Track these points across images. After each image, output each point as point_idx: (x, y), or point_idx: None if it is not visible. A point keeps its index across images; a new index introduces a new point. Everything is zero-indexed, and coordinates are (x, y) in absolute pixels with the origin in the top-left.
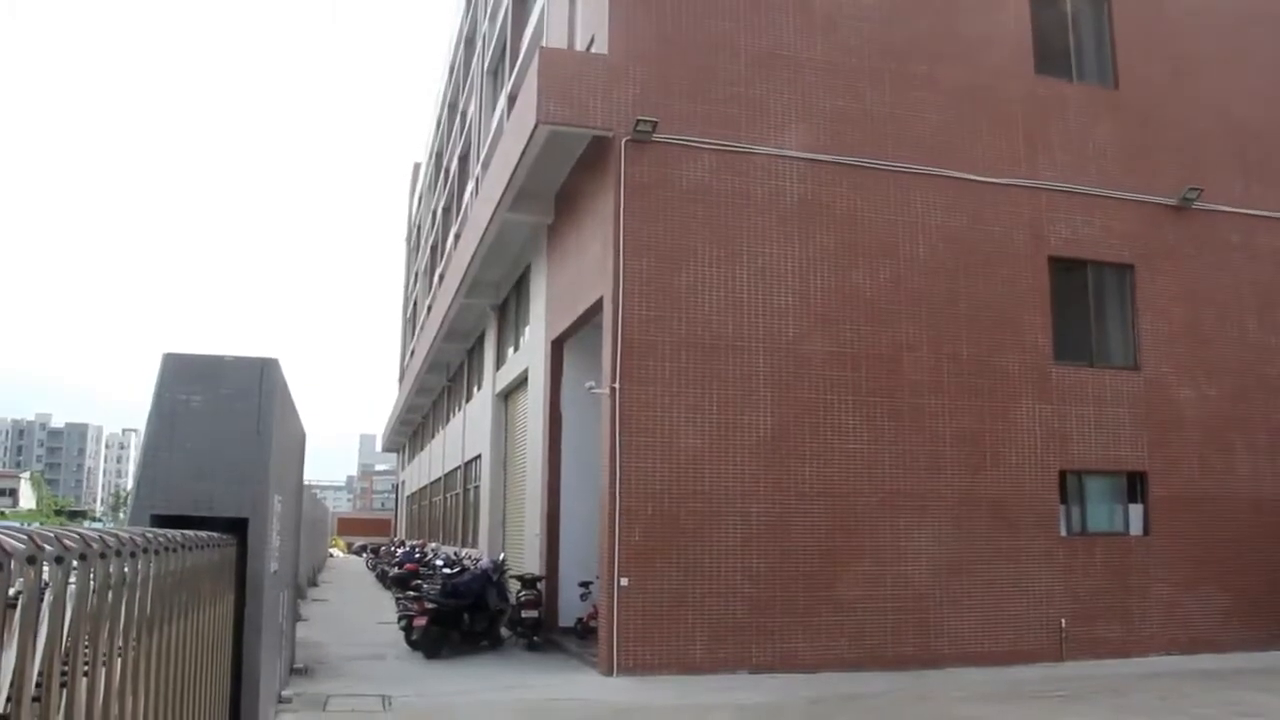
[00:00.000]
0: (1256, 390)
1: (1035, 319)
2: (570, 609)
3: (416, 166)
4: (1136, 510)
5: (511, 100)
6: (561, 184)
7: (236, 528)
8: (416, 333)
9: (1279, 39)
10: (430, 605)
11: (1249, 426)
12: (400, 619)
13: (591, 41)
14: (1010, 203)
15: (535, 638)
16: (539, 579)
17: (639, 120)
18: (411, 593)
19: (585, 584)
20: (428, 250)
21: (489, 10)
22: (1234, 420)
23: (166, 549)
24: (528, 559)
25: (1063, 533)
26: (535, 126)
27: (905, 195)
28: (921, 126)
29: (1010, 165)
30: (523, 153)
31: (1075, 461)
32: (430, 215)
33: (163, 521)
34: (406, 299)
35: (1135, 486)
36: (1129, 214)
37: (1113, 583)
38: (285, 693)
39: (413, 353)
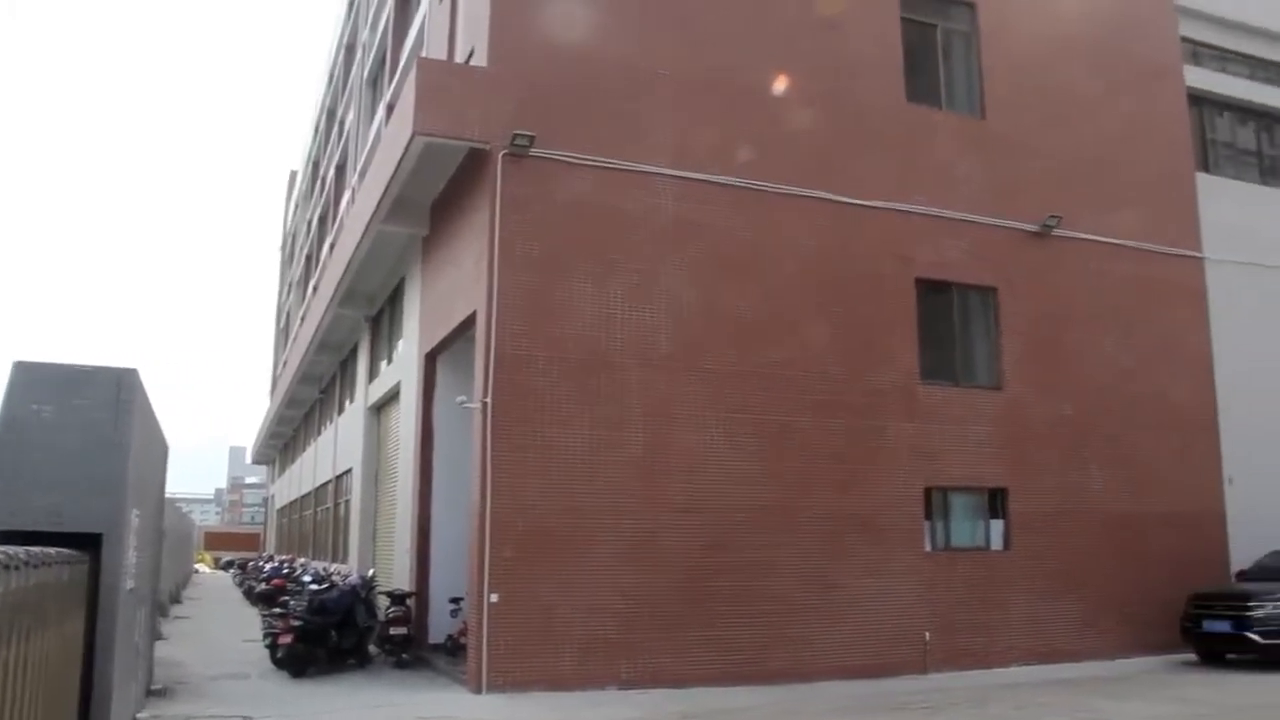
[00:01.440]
0: (1109, 410)
1: (903, 339)
2: (440, 626)
3: (293, 174)
4: (997, 525)
5: (390, 110)
6: (438, 196)
7: (91, 543)
8: (289, 344)
9: (1136, 75)
10: (296, 622)
11: (1102, 444)
12: (265, 637)
13: (471, 54)
14: (880, 226)
15: (404, 655)
16: (409, 595)
17: (516, 134)
18: (278, 609)
19: (456, 600)
20: (302, 260)
21: (370, 19)
22: (1089, 438)
23: (5, 566)
24: (398, 575)
25: (928, 548)
26: (412, 137)
27: (778, 216)
28: (796, 149)
29: (881, 189)
30: (399, 163)
31: (940, 478)
32: (306, 224)
33: (10, 538)
34: (280, 309)
35: (996, 502)
36: (993, 239)
37: (974, 596)
38: (141, 715)
39: (285, 364)
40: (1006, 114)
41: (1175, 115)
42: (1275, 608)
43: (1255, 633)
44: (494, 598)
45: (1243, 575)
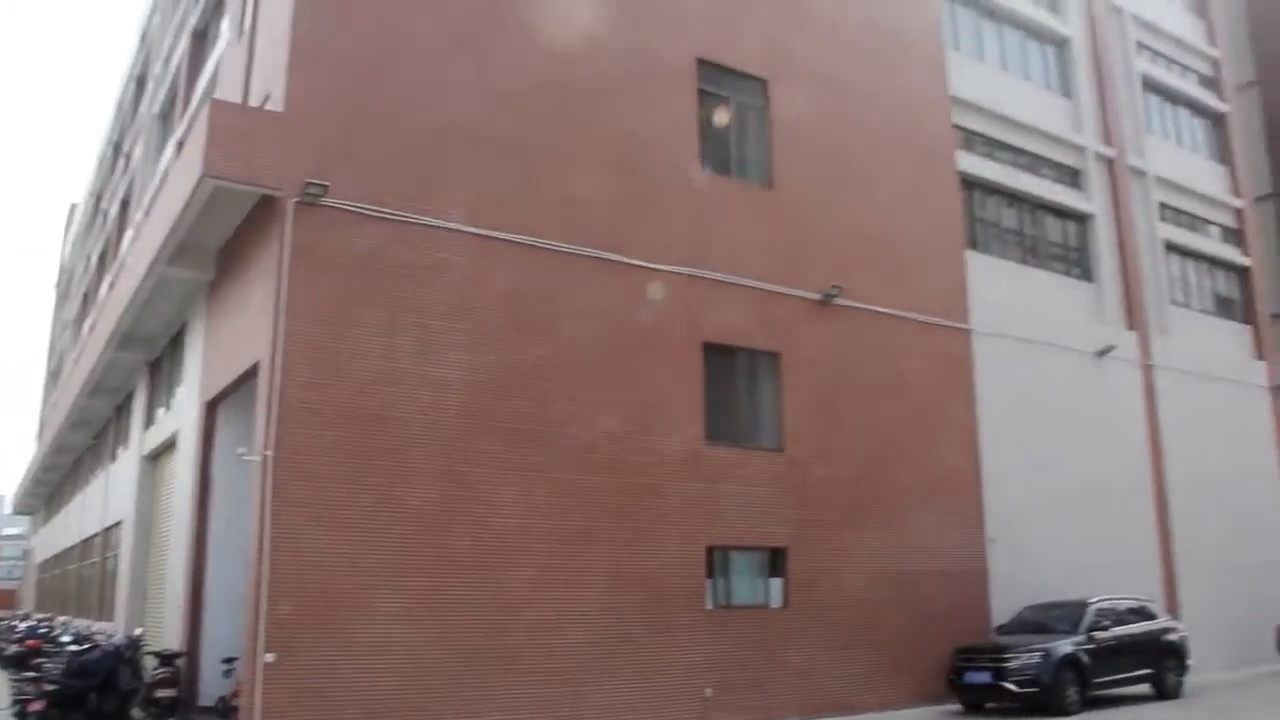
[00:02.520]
0: (884, 472)
1: (689, 401)
2: (212, 687)
3: (73, 207)
4: (777, 583)
5: (179, 148)
6: (226, 240)
7: None
8: (60, 386)
9: (914, 157)
10: (50, 686)
11: (877, 505)
12: (14, 704)
13: (267, 98)
14: (670, 289)
15: (171, 719)
16: (178, 655)
17: (309, 182)
18: (30, 673)
19: (229, 660)
20: (79, 298)
21: (164, 52)
22: (865, 499)
23: None
24: (169, 634)
25: (709, 606)
26: (200, 179)
27: (571, 276)
28: (591, 211)
29: (672, 254)
30: (185, 205)
31: (722, 538)
32: (85, 260)
33: None
34: (52, 349)
35: (776, 561)
36: (778, 305)
37: (754, 653)
38: None
39: (54, 407)
40: (794, 186)
41: (948, 196)
42: (1029, 658)
43: (1011, 682)
44: (269, 657)
45: (1002, 629)
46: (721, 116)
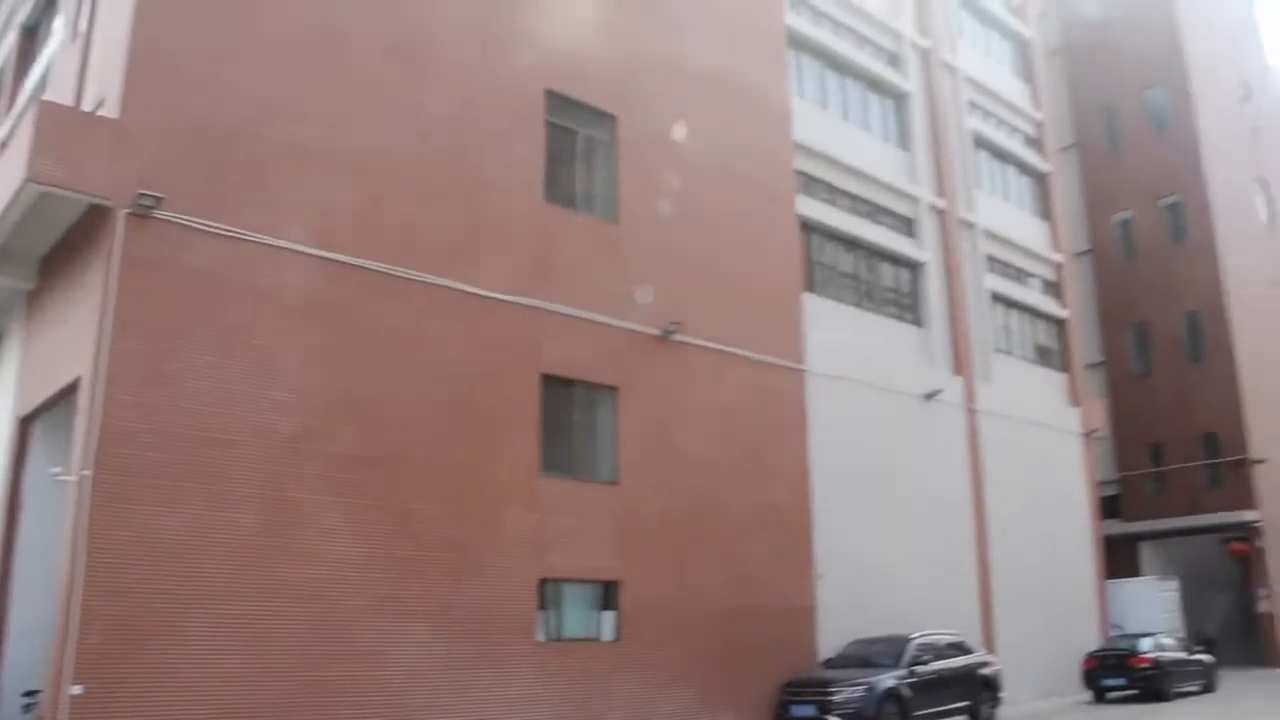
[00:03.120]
0: (717, 508)
1: (526, 432)
2: None
3: None
4: (609, 616)
5: (1, 149)
6: (50, 248)
7: None
8: None
9: (756, 199)
10: None
11: (710, 540)
12: None
13: (101, 104)
14: (511, 320)
15: None
16: None
17: (142, 194)
18: None
19: (31, 693)
20: None
21: None
22: (698, 534)
23: None
24: None
25: (540, 638)
26: (23, 184)
27: (413, 303)
28: (435, 238)
29: (514, 284)
30: (6, 210)
31: (555, 570)
32: None
33: None
34: None
35: (609, 594)
36: (617, 340)
37: (585, 686)
38: None
39: None
40: (638, 222)
41: (788, 239)
42: (853, 692)
43: (835, 715)
44: (76, 689)
45: (828, 663)
46: (569, 149)
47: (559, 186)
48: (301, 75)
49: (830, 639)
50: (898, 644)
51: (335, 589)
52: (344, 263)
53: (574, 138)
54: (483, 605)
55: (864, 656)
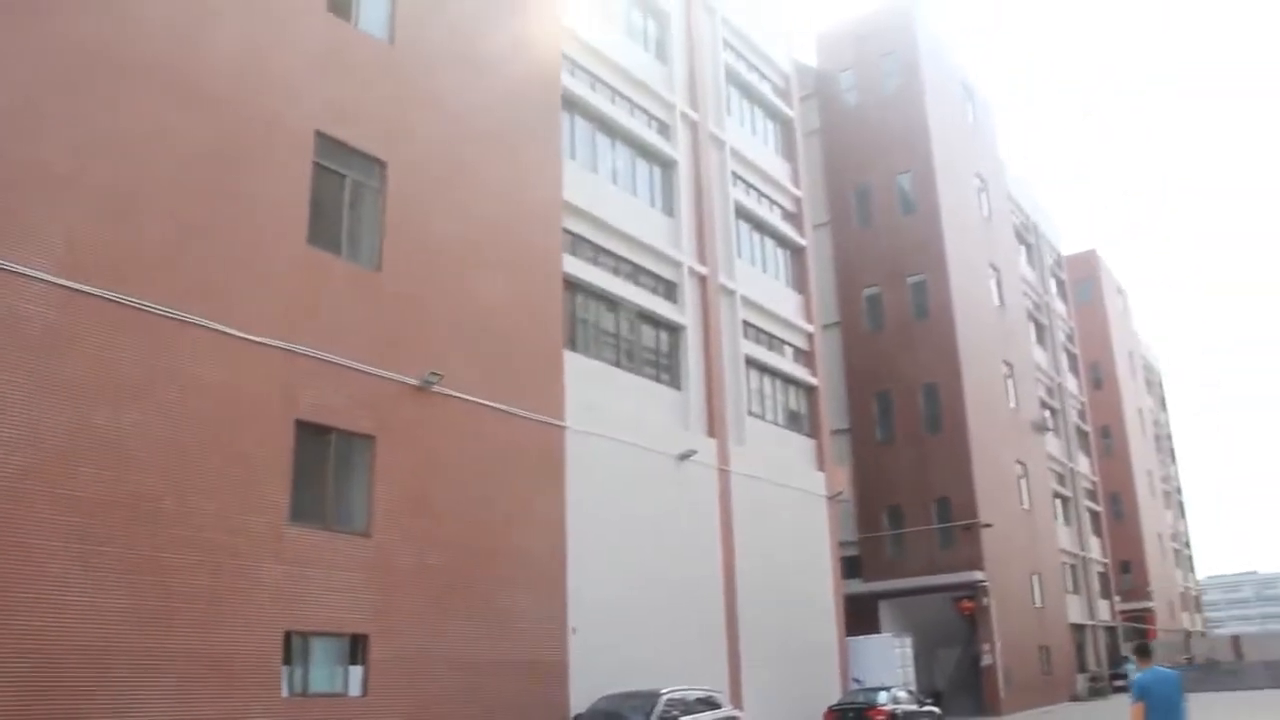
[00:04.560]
0: (473, 562)
1: (277, 480)
2: None
3: None
4: (357, 671)
5: None
6: None
7: None
8: None
9: (523, 255)
10: None
11: (465, 595)
12: None
13: None
14: (266, 363)
15: None
16: None
17: None
18: None
19: None
20: None
21: None
22: (453, 588)
23: None
24: None
25: (285, 694)
26: None
27: (165, 339)
28: (190, 274)
29: (271, 327)
30: None
31: (303, 623)
32: None
33: None
34: None
35: (357, 648)
36: (376, 389)
37: None
38: None
39: None
40: (403, 271)
41: (552, 295)
42: None
43: None
44: None
45: (579, 719)
46: (336, 193)
47: (324, 230)
48: (49, 94)
49: (583, 695)
50: (648, 699)
51: (67, 640)
52: (95, 295)
53: (342, 181)
54: (226, 658)
55: (614, 712)
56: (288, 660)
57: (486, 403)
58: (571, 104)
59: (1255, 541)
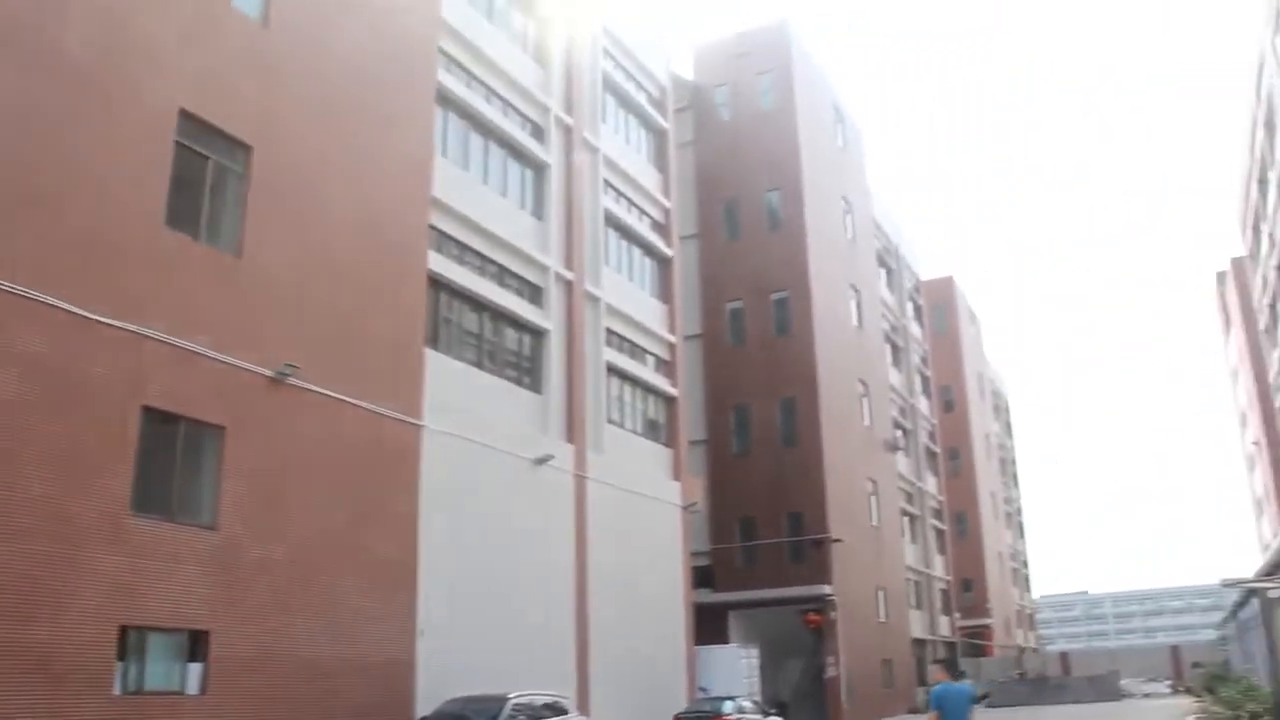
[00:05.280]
0: (322, 559)
1: (118, 466)
2: None
3: None
4: (196, 668)
5: None
6: None
7: None
8: None
9: (387, 250)
10: None
11: (312, 593)
12: None
13: None
14: (112, 346)
15: None
16: None
17: None
18: None
19: None
20: None
21: None
22: (300, 586)
23: None
24: None
25: (117, 691)
26: None
27: (1, 315)
28: (34, 247)
29: (120, 308)
30: None
31: (140, 617)
32: None
33: None
34: None
35: (197, 644)
36: (229, 378)
37: None
38: None
39: None
40: (264, 259)
41: (415, 292)
42: None
43: None
44: None
45: None
46: (198, 174)
47: (183, 211)
48: None
49: (429, 698)
50: (494, 703)
51: None
52: None
53: (205, 163)
54: (54, 654)
55: (460, 715)
56: (122, 656)
57: (343, 397)
58: (446, 100)
59: (1087, 563)
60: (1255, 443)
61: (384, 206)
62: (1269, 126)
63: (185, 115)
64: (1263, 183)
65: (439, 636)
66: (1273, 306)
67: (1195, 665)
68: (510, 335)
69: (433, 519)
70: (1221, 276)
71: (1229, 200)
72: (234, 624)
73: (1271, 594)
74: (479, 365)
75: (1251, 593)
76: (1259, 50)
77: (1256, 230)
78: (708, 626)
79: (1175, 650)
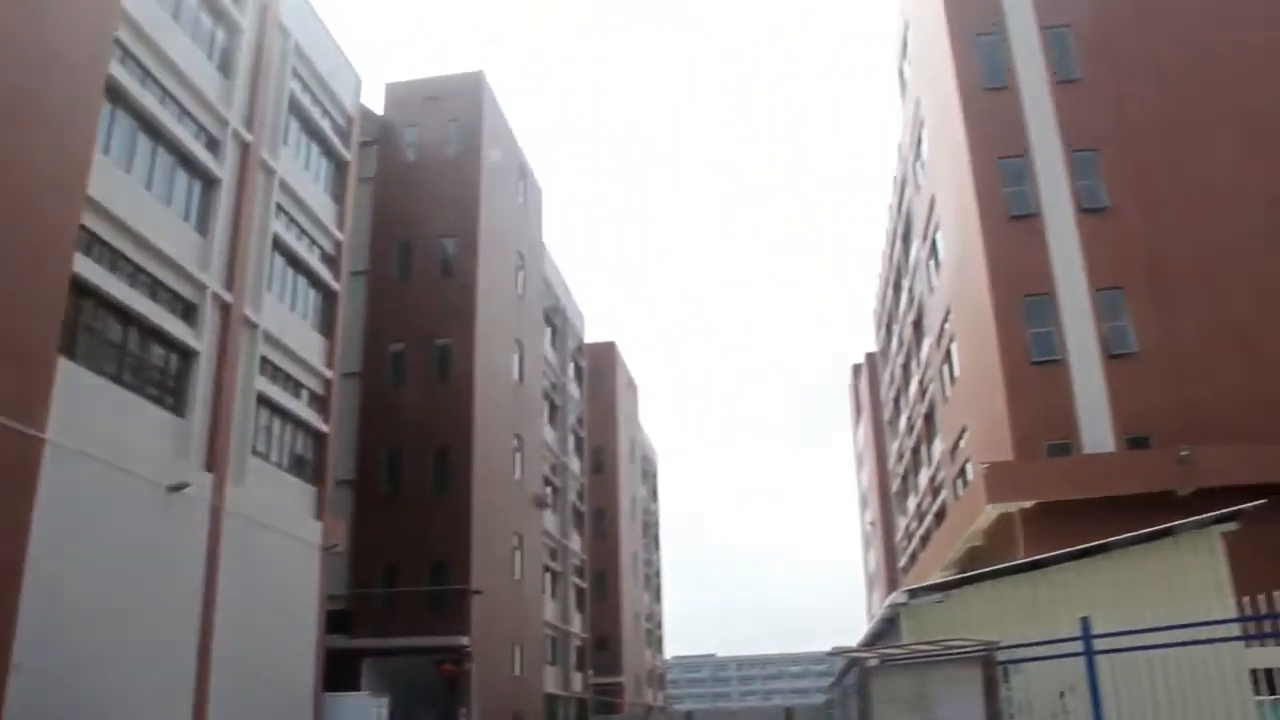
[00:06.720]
0: None
1: None
2: None
3: None
4: None
5: None
6: None
7: None
8: None
9: (23, 234)
10: None
11: None
12: None
13: None
14: None
15: None
16: None
17: None
18: None
19: None
20: None
21: None
22: None
23: None
24: None
25: None
26: None
27: None
28: None
29: None
30: None
31: None
32: None
33: None
34: None
35: None
36: None
37: None
38: None
39: None
40: None
41: (54, 295)
42: None
43: None
44: None
45: None
46: None
47: None
48: None
49: None
50: None
51: None
52: None
53: None
54: None
55: None
56: None
57: None
58: (116, 94)
59: (715, 627)
60: (872, 523)
61: (25, 198)
62: (905, 239)
63: None
64: (896, 288)
65: (40, 672)
66: (897, 400)
67: None
68: (157, 352)
69: (47, 540)
70: (857, 369)
71: (868, 299)
72: None
73: (870, 663)
74: (119, 381)
75: (853, 662)
76: (902, 170)
77: (889, 329)
78: (341, 673)
79: (789, 712)
